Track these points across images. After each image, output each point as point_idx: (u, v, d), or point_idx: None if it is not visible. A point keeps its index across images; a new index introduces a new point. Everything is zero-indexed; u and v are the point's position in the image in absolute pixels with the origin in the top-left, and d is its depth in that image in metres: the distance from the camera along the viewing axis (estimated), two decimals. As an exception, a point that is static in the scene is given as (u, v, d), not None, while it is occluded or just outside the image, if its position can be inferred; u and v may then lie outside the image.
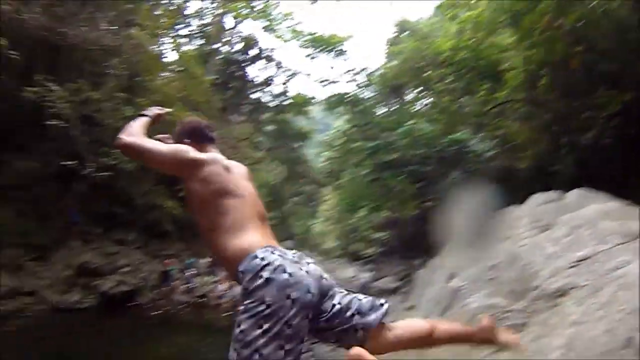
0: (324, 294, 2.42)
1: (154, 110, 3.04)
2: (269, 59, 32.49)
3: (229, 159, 2.89)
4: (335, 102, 29.94)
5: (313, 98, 34.90)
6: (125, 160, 14.80)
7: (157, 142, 2.71)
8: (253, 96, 34.21)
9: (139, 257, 18.23)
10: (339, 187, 32.81)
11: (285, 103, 34.43)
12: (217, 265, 20.26)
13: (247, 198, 2.63)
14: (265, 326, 2.13)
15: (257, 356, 2.12)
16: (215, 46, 30.53)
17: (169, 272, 17.89)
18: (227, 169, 2.72)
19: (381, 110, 28.29)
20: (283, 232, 40.43)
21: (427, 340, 2.51)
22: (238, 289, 8.49)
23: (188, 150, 2.69)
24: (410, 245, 22.54)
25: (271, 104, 34.85)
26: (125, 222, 18.74)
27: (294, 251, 2.52)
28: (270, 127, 36.78)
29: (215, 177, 2.61)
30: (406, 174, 21.46)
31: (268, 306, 2.15)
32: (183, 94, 21.21)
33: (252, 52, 31.94)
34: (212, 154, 2.80)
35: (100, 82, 16.99)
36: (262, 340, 2.12)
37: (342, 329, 2.40)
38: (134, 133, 2.69)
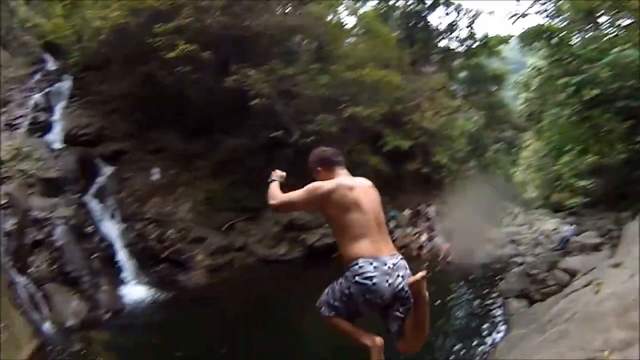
0: (397, 298, 3.24)
1: (278, 174, 3.88)
2: (448, 3, 31.09)
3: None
4: (530, 37, 27.16)
5: (507, 36, 32.27)
6: (328, 124, 16.25)
7: (294, 192, 3.50)
8: (440, 45, 33.48)
9: None
10: (540, 131, 30.07)
11: (474, 46, 32.83)
12: (418, 218, 21.00)
13: (366, 211, 3.33)
14: (344, 299, 3.28)
15: (330, 303, 3.36)
16: (391, 2, 30.55)
17: None
18: (350, 189, 3.39)
19: (577, 40, 24.72)
20: (482, 181, 39.84)
21: None
22: (438, 240, 14.68)
23: (316, 188, 3.43)
24: (618, 194, 20.21)
25: (460, 50, 33.54)
26: None
27: (395, 261, 3.31)
28: (463, 74, 35.45)
29: (341, 199, 3.32)
30: (613, 111, 18.63)
31: (350, 294, 3.22)
32: (372, 54, 21.66)
33: (429, 1, 30.87)
34: (337, 180, 3.48)
35: (291, 59, 18.94)
36: (336, 303, 3.33)
37: (391, 321, 3.32)
38: (278, 196, 3.56)
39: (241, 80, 16.43)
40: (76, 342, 10.63)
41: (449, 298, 13.48)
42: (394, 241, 12.34)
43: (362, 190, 3.47)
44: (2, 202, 11.18)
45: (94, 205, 14.48)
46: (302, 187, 3.50)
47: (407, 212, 21.93)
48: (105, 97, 17.91)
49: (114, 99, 17.82)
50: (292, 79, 17.47)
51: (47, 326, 10.56)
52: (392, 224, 19.82)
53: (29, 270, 11.05)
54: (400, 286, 3.21)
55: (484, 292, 13.65)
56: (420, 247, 18.34)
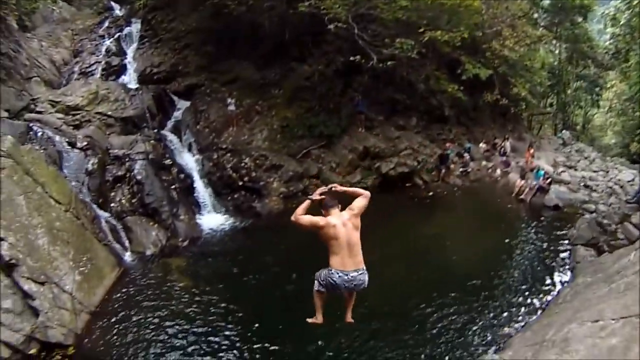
0: (348, 289, 5.48)
1: (316, 195, 5.58)
2: None
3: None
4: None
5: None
6: (406, 49, 15.48)
7: (309, 217, 5.41)
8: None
9: (419, 141, 19.24)
10: (626, 71, 25.98)
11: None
12: (493, 152, 19.85)
13: (341, 241, 5.32)
14: (323, 282, 5.48)
15: (320, 281, 5.54)
16: None
17: (447, 156, 18.36)
18: (334, 226, 5.32)
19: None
20: (560, 120, 36.51)
21: None
22: (514, 176, 15.56)
23: (316, 223, 5.37)
24: None
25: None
26: (407, 108, 20.00)
27: (354, 274, 5.37)
28: (547, 1, 31.14)
29: (327, 232, 5.34)
30: None
31: (326, 281, 5.43)
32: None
33: None
34: (327, 219, 5.39)
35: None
36: (322, 282, 5.50)
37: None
38: (298, 213, 5.39)
39: (316, 5, 15.74)
40: (155, 269, 11.83)
41: (517, 237, 13.18)
42: (467, 173, 15.35)
43: (341, 225, 5.37)
44: (83, 144, 12.24)
45: (172, 139, 15.46)
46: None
47: (482, 145, 20.89)
48: (175, 34, 18.41)
49: (184, 35, 18.24)
50: (369, 2, 16.44)
51: (128, 256, 11.83)
52: (466, 157, 19.19)
53: (111, 205, 12.23)
54: (352, 285, 5.40)
55: (553, 235, 13.20)
56: (494, 182, 17.52)
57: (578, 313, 7.20)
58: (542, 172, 16.36)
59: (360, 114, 18.59)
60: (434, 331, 8.96)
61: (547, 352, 6.31)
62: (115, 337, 9.25)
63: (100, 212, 11.76)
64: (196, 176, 15.25)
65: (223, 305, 10.11)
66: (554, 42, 32.10)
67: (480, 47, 19.70)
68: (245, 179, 15.92)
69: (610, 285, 7.76)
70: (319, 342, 8.62)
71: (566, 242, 12.61)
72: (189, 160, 15.45)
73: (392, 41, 15.91)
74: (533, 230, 13.78)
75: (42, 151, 10.95)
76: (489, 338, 8.59)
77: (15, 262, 8.42)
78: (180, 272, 11.83)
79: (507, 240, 13.03)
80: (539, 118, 33.32)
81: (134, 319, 9.81)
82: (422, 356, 8.39)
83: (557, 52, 32.96)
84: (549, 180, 16.26)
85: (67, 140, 12.19)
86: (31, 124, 12.23)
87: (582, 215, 14.38)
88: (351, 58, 15.83)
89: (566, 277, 10.63)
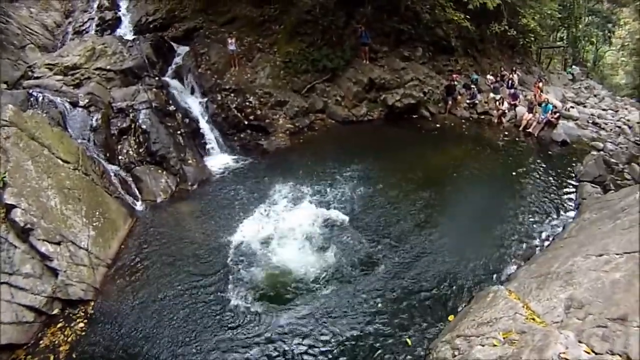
0: None
1: None
2: None
3: None
4: None
5: None
6: None
7: None
8: None
9: (425, 72, 18.97)
10: None
11: None
12: (501, 85, 19.27)
13: None
14: None
15: None
16: None
17: (453, 87, 18.08)
18: None
19: None
20: (570, 56, 34.93)
21: None
22: (521, 109, 15.47)
23: None
24: None
25: None
26: (412, 38, 19.45)
27: None
28: None
29: None
30: None
31: None
32: None
33: None
34: None
35: None
36: None
37: None
38: None
39: None
40: (167, 216, 12.56)
41: (524, 172, 13.32)
42: (474, 105, 17.18)
43: None
44: (85, 102, 12.66)
45: (174, 84, 15.68)
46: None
47: (489, 77, 20.29)
48: (168, -20, 17.85)
49: (178, -20, 17.70)
50: None
51: (139, 206, 12.58)
52: (473, 88, 18.97)
53: (119, 158, 12.84)
54: None
55: (560, 171, 13.36)
56: (502, 115, 17.27)
57: (583, 247, 7.49)
58: (550, 106, 16.18)
59: (365, 45, 18.34)
60: (438, 259, 9.49)
61: (551, 283, 6.57)
62: (132, 287, 9.99)
63: (109, 166, 12.34)
64: (201, 119, 15.58)
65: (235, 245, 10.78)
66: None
67: (488, -26, 18.62)
68: (251, 117, 16.26)
69: (616, 221, 8.01)
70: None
71: (573, 178, 12.77)
72: (193, 104, 15.73)
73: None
74: (540, 165, 13.88)
75: (44, 115, 11.41)
76: (494, 269, 9.05)
77: (30, 227, 9.07)
78: (192, 216, 12.48)
79: (513, 174, 13.28)
80: (548, 52, 32.13)
81: (150, 267, 10.56)
82: (424, 283, 8.93)
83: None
84: (557, 115, 16.09)
85: (68, 100, 12.53)
86: (30, 91, 12.51)
87: (590, 152, 14.37)
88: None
89: (572, 213, 10.90)
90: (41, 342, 8.73)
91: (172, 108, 14.80)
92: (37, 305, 8.75)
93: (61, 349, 8.62)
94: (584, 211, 10.43)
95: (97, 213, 10.88)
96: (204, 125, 15.56)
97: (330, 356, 7.55)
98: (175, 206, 12.93)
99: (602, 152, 14.02)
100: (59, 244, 9.46)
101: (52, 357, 8.36)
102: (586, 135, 16.27)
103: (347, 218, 11.05)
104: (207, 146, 15.36)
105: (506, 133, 16.14)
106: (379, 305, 8.45)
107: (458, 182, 12.77)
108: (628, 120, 18.58)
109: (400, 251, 9.92)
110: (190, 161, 14.25)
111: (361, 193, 12.27)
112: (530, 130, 16.01)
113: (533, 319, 5.91)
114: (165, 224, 12.17)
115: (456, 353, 6.17)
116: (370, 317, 8.21)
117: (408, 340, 7.59)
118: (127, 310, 9.34)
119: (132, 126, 13.52)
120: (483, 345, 5.77)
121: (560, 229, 10.23)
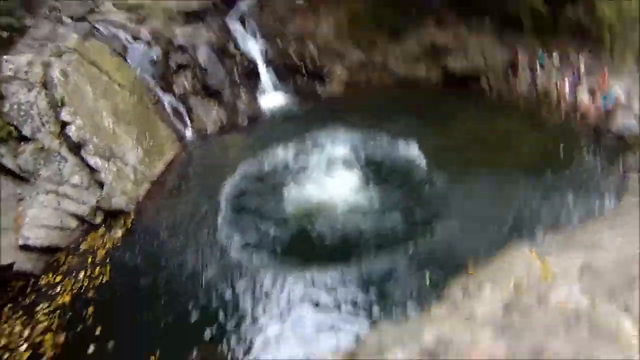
0: None
1: None
2: None
3: None
4: None
5: None
6: None
7: None
8: None
9: (490, 44, 18.02)
10: None
11: None
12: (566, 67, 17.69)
13: None
14: None
15: None
16: None
17: (516, 62, 17.02)
18: None
19: None
20: None
21: None
22: (582, 95, 15.03)
23: None
24: None
25: None
26: (481, 8, 18.23)
27: None
28: None
29: None
30: None
31: None
32: None
33: None
34: None
35: None
36: None
37: None
38: None
39: None
40: (214, 145, 13.55)
41: (573, 156, 13.07)
42: (536, 84, 16.67)
43: None
44: (147, 37, 13.76)
45: (236, 28, 16.30)
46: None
47: (555, 57, 18.38)
48: None
49: None
50: None
51: (188, 133, 13.63)
52: (537, 67, 17.65)
53: (174, 89, 13.85)
54: None
55: (609, 161, 12.89)
56: (562, 98, 16.28)
57: (613, 228, 7.69)
58: (613, 95, 15.04)
59: (431, 8, 17.62)
60: (475, 221, 9.81)
61: (572, 250, 6.82)
62: (172, 204, 11.06)
63: (164, 95, 13.40)
64: (260, 62, 16.16)
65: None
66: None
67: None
68: (309, 65, 16.61)
69: None
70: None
71: (620, 169, 12.28)
72: (253, 48, 16.28)
73: None
74: (591, 152, 13.44)
75: (106, 45, 12.64)
76: (525, 235, 9.12)
77: (82, 142, 10.17)
78: (237, 147, 13.44)
79: (562, 155, 12.92)
80: (623, 45, 27.76)
81: (190, 189, 11.62)
82: (456, 236, 9.39)
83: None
84: (618, 106, 14.75)
85: (131, 34, 13.61)
86: (95, 24, 13.45)
87: None
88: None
89: (613, 201, 10.59)
90: (81, 246, 9.89)
91: (232, 48, 15.56)
92: (81, 213, 9.91)
93: (98, 252, 9.75)
94: (624, 200, 10.30)
95: (148, 136, 12.00)
96: (262, 68, 16.15)
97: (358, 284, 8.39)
98: (224, 137, 13.95)
99: (659, 153, 13.33)
100: (108, 159, 10.58)
101: (89, 259, 9.48)
102: (644, 132, 14.81)
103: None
104: (262, 87, 16.00)
105: (563, 116, 15.37)
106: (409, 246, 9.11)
107: (504, 158, 12.64)
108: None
109: (436, 211, 10.26)
110: (243, 98, 15.05)
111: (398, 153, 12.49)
112: (588, 117, 14.97)
113: (546, 277, 6.08)
114: (210, 152, 13.24)
115: (465, 294, 6.59)
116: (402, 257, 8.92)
117: (428, 279, 8.18)
118: (164, 224, 10.43)
119: (191, 62, 14.45)
120: (493, 291, 6.10)
121: (597, 212, 10.03)
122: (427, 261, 8.62)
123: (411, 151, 12.30)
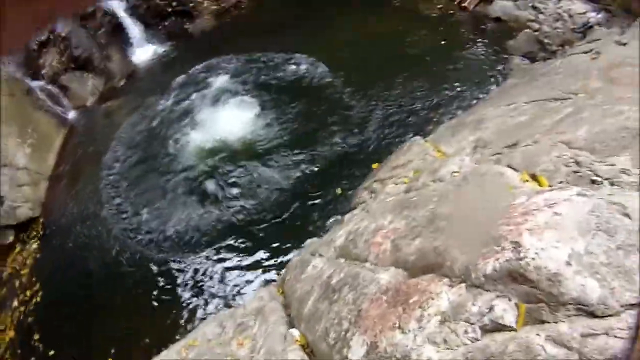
0: None
1: None
2: None
3: None
4: None
5: None
6: None
7: None
8: None
9: None
10: None
11: None
12: None
13: None
14: None
15: None
16: None
17: None
18: None
19: None
20: None
21: None
22: None
23: None
24: None
25: None
26: None
27: None
28: None
29: None
30: None
31: None
32: None
33: None
34: None
35: None
36: None
37: None
38: None
39: None
40: (99, 117, 14.01)
41: (455, 42, 13.59)
42: None
43: None
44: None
45: (86, -17, 15.75)
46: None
47: None
48: None
49: None
50: None
51: (70, 113, 14.08)
52: None
53: (42, 72, 13.95)
54: None
55: (491, 45, 13.48)
56: None
57: (497, 101, 8.11)
58: None
59: None
60: (367, 122, 10.75)
61: (463, 130, 7.07)
62: (75, 194, 11.27)
63: (33, 82, 13.42)
64: (122, 14, 15.94)
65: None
66: None
67: None
68: (174, 3, 16.51)
69: (532, 82, 8.49)
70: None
71: (503, 52, 13.03)
72: (112, 1, 15.94)
73: None
74: (471, 38, 13.96)
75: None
76: (420, 129, 10.09)
77: None
78: (122, 111, 13.79)
79: (443, 43, 13.64)
80: None
81: (87, 171, 11.87)
82: (351, 140, 10.41)
83: None
84: None
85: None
86: None
87: (524, 31, 14.05)
88: None
89: (499, 83, 11.55)
90: (3, 275, 9.70)
91: (89, 9, 15.31)
92: (-11, 239, 9.80)
93: (22, 273, 9.58)
94: (507, 81, 11.02)
95: (30, 130, 12.14)
96: (126, 20, 15.95)
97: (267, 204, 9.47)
98: (106, 105, 14.23)
99: (537, 33, 13.76)
100: (-3, 170, 10.45)
101: (16, 284, 9.27)
102: (523, 16, 15.84)
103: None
104: (131, 39, 16.01)
105: (440, 6, 15.47)
106: (315, 163, 10.05)
107: (385, 54, 13.26)
108: (569, 9, 17.56)
109: (337, 120, 11.02)
110: (114, 58, 15.28)
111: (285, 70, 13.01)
112: (465, 4, 15.56)
113: (441, 158, 6.56)
114: (97, 125, 13.53)
115: (372, 195, 7.14)
116: (305, 173, 9.87)
117: (339, 190, 9.30)
118: (74, 216, 10.66)
119: (52, 37, 14.35)
120: (396, 184, 6.62)
121: (486, 95, 11.04)
122: (335, 176, 9.58)
123: (301, 64, 12.88)
